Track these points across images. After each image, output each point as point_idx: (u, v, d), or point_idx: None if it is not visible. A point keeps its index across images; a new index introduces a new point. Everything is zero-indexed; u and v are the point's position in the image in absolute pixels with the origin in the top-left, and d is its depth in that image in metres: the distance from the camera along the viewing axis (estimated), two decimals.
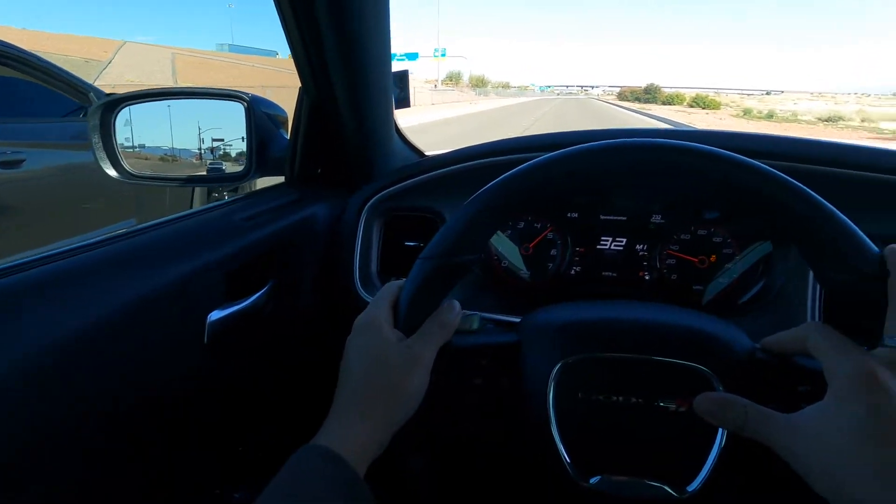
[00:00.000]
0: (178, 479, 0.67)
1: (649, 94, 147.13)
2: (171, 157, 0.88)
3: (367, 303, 0.85)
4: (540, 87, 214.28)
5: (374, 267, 0.89)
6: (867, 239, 0.42)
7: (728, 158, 0.46)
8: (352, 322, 0.53)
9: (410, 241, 0.90)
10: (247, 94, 0.83)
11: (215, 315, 0.64)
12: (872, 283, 0.40)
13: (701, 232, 0.81)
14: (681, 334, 0.52)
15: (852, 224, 0.42)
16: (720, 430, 0.49)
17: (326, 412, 0.47)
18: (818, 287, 0.70)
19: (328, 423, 0.46)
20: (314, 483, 0.41)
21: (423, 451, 0.78)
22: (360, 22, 0.75)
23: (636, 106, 77.82)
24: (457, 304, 0.54)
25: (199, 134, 0.87)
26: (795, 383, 0.49)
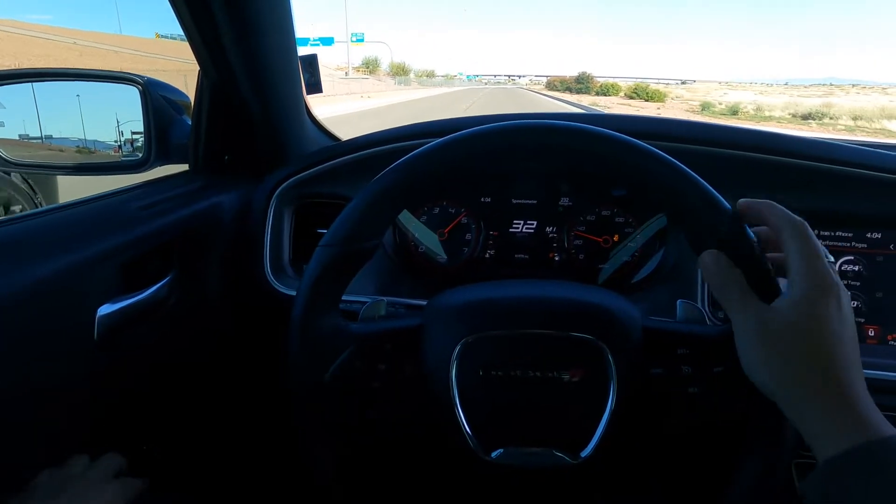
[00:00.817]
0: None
1: (581, 84, 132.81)
2: (58, 146, 0.82)
3: (279, 292, 0.83)
4: (468, 76, 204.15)
5: (286, 255, 0.87)
6: (721, 198, 0.45)
7: (592, 133, 0.48)
8: (262, 313, 0.51)
9: (323, 229, 0.89)
10: (141, 76, 0.78)
11: (105, 309, 0.61)
12: (735, 240, 0.44)
13: (605, 213, 0.85)
14: (574, 308, 0.54)
15: (708, 186, 0.45)
16: (610, 398, 0.51)
17: (233, 405, 0.45)
18: None
19: None
20: None
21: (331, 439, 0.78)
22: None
23: (567, 96, 73.95)
24: None
25: (82, 121, 0.81)
26: (676, 347, 0.53)
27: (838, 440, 0.38)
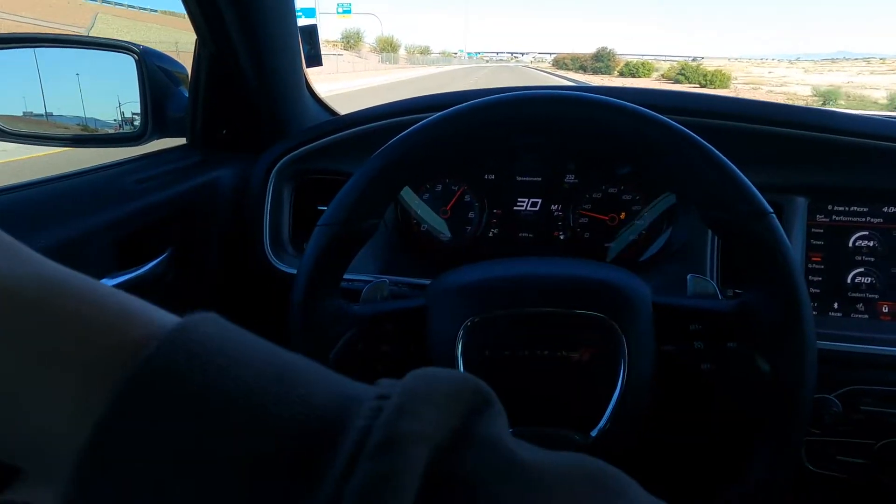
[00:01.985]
0: None
1: (601, 63, 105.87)
2: (50, 113, 0.80)
3: (279, 270, 0.82)
4: (469, 53, 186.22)
5: (285, 232, 0.86)
6: (749, 182, 0.45)
7: (617, 106, 0.47)
8: (262, 290, 0.50)
9: (323, 205, 0.87)
10: (137, 45, 0.76)
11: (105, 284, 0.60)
12: (755, 220, 0.45)
13: (611, 190, 0.83)
14: (581, 286, 0.53)
15: (737, 169, 0.45)
16: (620, 377, 0.50)
17: None
18: (717, 240, 0.73)
19: None
20: None
21: None
22: None
23: (583, 77, 62.82)
24: None
25: (76, 91, 0.79)
26: (688, 323, 0.52)
27: None
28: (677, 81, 65.13)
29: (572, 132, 0.51)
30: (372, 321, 0.54)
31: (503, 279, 0.55)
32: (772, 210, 0.45)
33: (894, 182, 0.71)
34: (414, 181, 0.84)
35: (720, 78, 64.01)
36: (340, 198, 0.49)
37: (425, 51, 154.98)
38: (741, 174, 0.45)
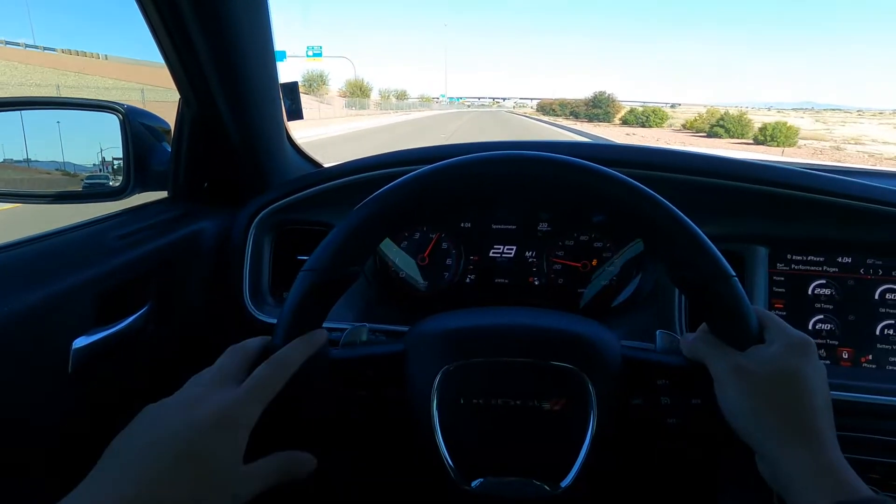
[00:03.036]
0: None
1: (598, 109, 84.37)
2: (35, 169, 0.82)
3: (258, 320, 0.83)
4: (450, 98, 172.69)
5: (265, 282, 0.87)
6: (724, 261, 0.48)
7: (590, 169, 0.49)
8: (242, 341, 0.51)
9: (303, 256, 0.89)
10: (121, 104, 0.79)
11: (81, 342, 0.60)
12: (718, 282, 0.47)
13: (583, 238, 0.86)
14: (555, 337, 0.55)
15: (702, 233, 0.48)
16: (590, 427, 0.51)
17: None
18: None
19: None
20: None
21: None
22: (236, 29, 0.73)
23: (579, 125, 49.58)
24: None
25: (63, 148, 0.81)
26: (655, 378, 0.53)
27: (821, 497, 0.39)
28: (714, 135, 45.64)
29: (543, 190, 0.54)
30: (350, 365, 0.55)
31: (481, 328, 0.57)
32: (734, 273, 0.47)
33: (843, 234, 0.74)
34: (395, 231, 0.86)
35: (784, 133, 40.96)
36: (325, 245, 0.50)
37: (402, 95, 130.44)
38: (705, 237, 0.48)
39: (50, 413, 0.59)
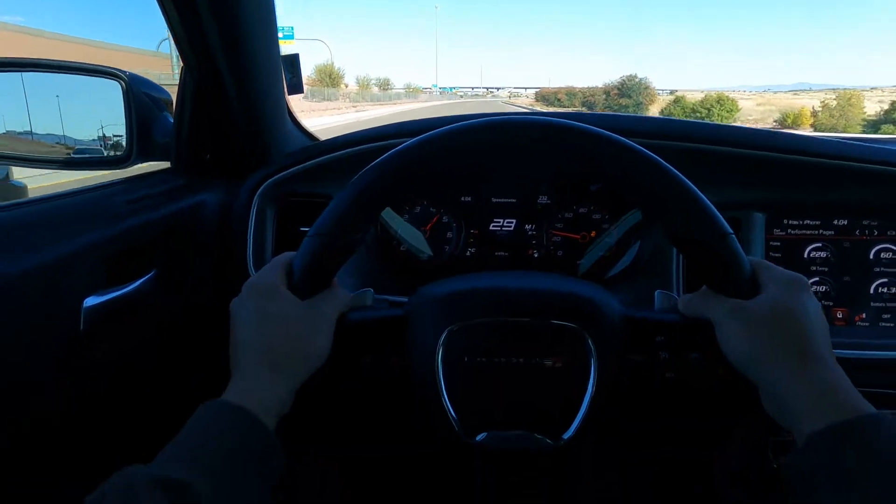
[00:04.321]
0: (58, 468, 0.63)
1: (628, 99, 62.58)
2: (39, 139, 0.82)
3: None
4: (443, 88, 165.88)
5: (268, 254, 0.88)
6: (721, 219, 0.49)
7: (601, 136, 0.50)
8: None
9: (306, 227, 0.90)
10: (124, 71, 0.79)
11: (92, 301, 0.61)
12: (716, 240, 0.49)
13: (582, 210, 0.87)
14: (556, 298, 0.57)
15: (699, 192, 0.49)
16: (590, 382, 0.53)
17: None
18: (681, 256, 0.77)
19: (232, 383, 0.46)
20: (225, 436, 0.41)
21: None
22: None
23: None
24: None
25: (64, 114, 0.81)
26: (654, 335, 0.55)
27: (821, 419, 0.41)
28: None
29: (542, 155, 0.55)
30: (357, 328, 0.56)
31: (483, 290, 0.58)
32: (732, 231, 0.49)
33: (839, 196, 0.76)
34: (398, 197, 0.86)
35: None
36: (332, 209, 0.51)
37: (385, 84, 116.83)
38: (703, 196, 0.49)
39: (63, 369, 0.59)
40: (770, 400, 0.47)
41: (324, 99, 54.58)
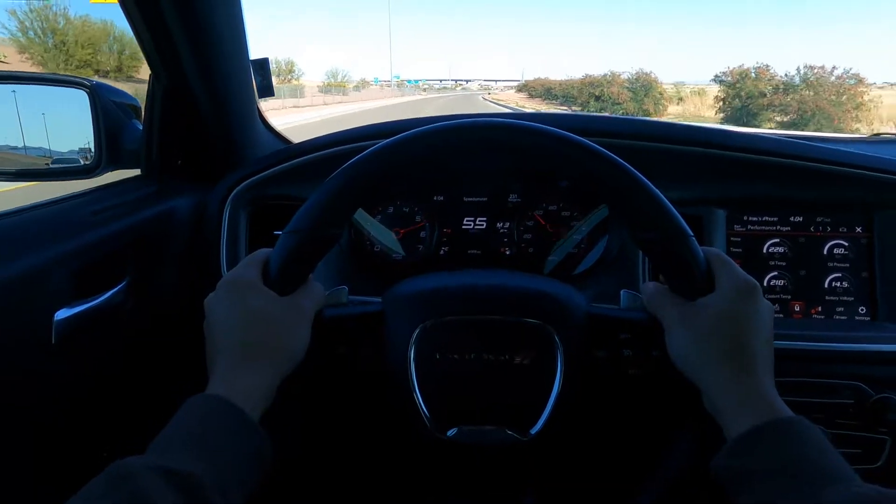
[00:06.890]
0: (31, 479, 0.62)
1: (639, 91, 35.79)
2: (3, 151, 0.80)
3: None
4: (408, 80, 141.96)
5: (242, 257, 0.88)
6: (682, 221, 0.51)
7: (557, 136, 0.52)
8: None
9: (279, 230, 0.90)
10: (89, 80, 0.78)
11: (63, 313, 0.61)
12: (677, 241, 0.51)
13: (552, 207, 0.89)
14: (525, 296, 0.59)
15: (660, 193, 0.51)
16: (557, 378, 0.55)
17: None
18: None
19: (214, 378, 0.46)
20: (217, 427, 0.41)
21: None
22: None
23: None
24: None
25: (31, 126, 0.80)
26: (618, 332, 0.57)
27: (748, 420, 0.44)
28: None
29: (510, 156, 0.57)
30: (332, 323, 0.57)
31: (455, 288, 0.60)
32: (692, 233, 0.51)
33: (793, 193, 0.80)
34: (371, 195, 0.88)
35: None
36: (307, 207, 0.52)
37: (334, 75, 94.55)
38: (664, 198, 0.51)
39: (36, 382, 0.59)
40: (707, 401, 0.49)
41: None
